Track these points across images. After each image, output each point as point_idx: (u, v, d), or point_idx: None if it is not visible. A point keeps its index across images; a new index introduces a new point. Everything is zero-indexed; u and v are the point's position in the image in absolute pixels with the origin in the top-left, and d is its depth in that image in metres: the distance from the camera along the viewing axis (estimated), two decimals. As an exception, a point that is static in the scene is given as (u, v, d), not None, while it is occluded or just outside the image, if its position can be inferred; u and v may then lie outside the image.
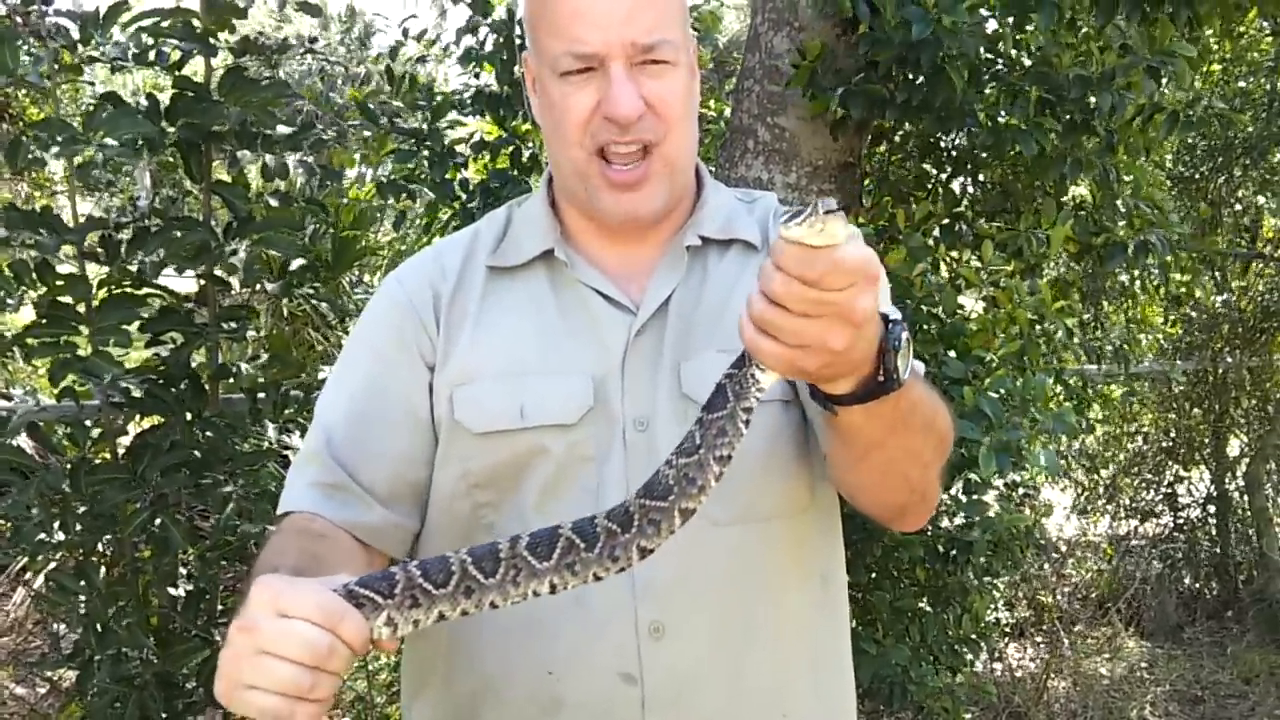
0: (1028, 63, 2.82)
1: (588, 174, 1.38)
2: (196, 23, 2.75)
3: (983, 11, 2.66)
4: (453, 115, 3.33)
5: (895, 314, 1.10)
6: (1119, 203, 2.93)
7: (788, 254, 0.97)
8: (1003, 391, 2.25)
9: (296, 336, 4.20)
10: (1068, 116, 2.61)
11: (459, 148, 3.36)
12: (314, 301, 5.10)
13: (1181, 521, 6.14)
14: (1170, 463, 6.20)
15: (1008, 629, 5.41)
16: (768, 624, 1.37)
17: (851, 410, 1.12)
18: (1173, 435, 6.20)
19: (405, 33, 3.77)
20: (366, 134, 3.15)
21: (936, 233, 2.90)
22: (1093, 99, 2.56)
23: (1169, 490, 6.17)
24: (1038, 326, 2.50)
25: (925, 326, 2.48)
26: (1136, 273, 3.01)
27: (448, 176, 3.27)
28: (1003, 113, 2.63)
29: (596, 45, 1.32)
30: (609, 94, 1.33)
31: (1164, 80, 2.67)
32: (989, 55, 2.72)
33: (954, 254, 2.89)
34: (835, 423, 1.17)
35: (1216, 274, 5.81)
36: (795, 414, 1.39)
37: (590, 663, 1.33)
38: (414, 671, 1.50)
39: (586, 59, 1.33)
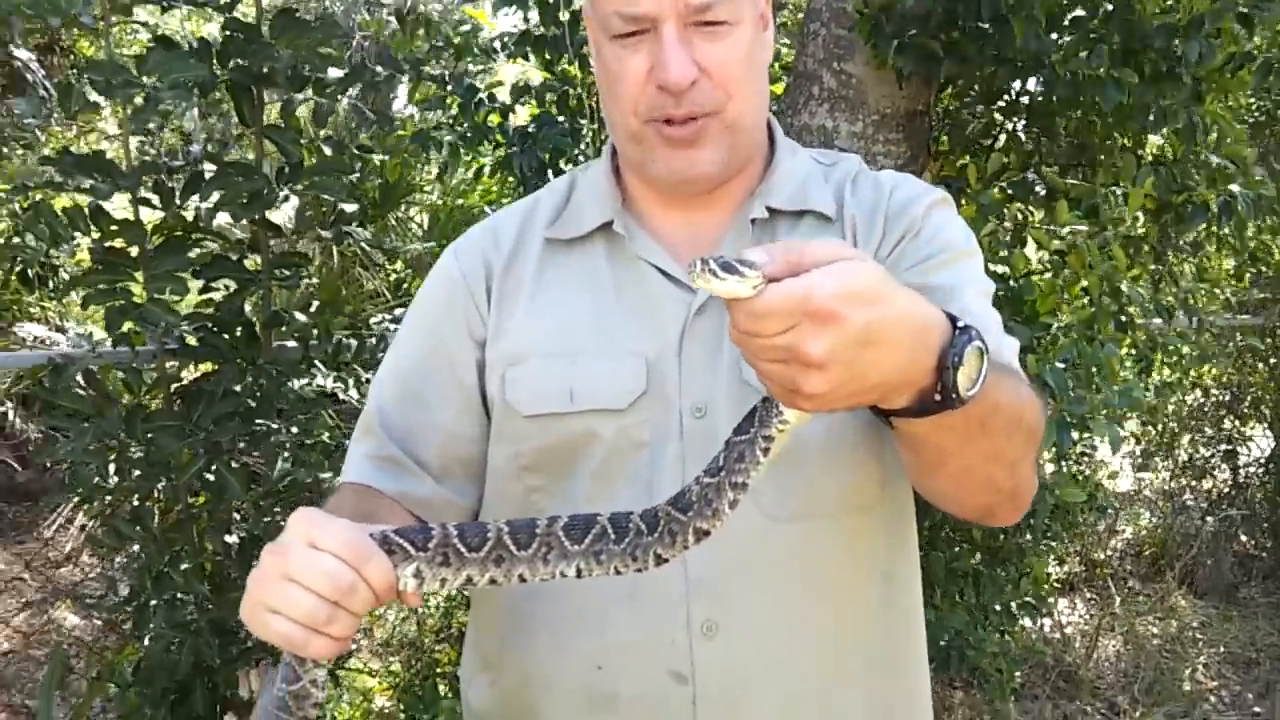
0: (1109, 6, 2.68)
1: (643, 136, 1.31)
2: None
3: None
4: (481, 57, 3.23)
5: (966, 320, 1.01)
6: (1201, 157, 2.80)
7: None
8: (1069, 361, 2.15)
9: (346, 276, 4.17)
10: (1150, 65, 2.47)
11: (497, 92, 3.26)
12: (362, 244, 5.11)
13: (1240, 479, 5.99)
14: (1231, 418, 6.06)
15: (1058, 584, 5.35)
16: (824, 624, 1.32)
17: (913, 423, 1.04)
18: (1235, 390, 6.03)
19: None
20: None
21: (1008, 189, 2.78)
22: (1178, 47, 2.42)
23: (1229, 447, 6.02)
24: (1108, 294, 2.38)
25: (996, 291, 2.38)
26: (1214, 229, 2.87)
27: (488, 122, 3.18)
28: (1080, 61, 2.49)
29: (647, 6, 1.24)
30: (660, 59, 1.25)
31: (1256, 26, 2.52)
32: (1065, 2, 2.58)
33: (1024, 210, 2.77)
34: (899, 432, 1.09)
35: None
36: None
37: (640, 659, 1.29)
38: (473, 653, 1.48)
39: (637, 20, 1.25)
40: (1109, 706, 4.48)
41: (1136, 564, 5.72)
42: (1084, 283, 2.33)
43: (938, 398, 0.99)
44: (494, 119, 3.28)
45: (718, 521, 1.05)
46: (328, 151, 2.82)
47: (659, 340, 1.33)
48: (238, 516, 2.93)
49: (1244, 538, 5.93)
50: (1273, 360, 5.86)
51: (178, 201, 2.64)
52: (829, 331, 0.90)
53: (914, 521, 1.43)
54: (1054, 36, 2.71)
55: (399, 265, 6.44)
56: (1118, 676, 4.67)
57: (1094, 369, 2.17)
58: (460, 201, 3.72)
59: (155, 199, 2.63)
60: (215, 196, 2.61)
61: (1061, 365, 2.14)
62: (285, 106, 2.71)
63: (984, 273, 1.37)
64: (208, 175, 2.66)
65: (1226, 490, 6.02)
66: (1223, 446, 6.05)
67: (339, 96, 2.68)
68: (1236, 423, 6.07)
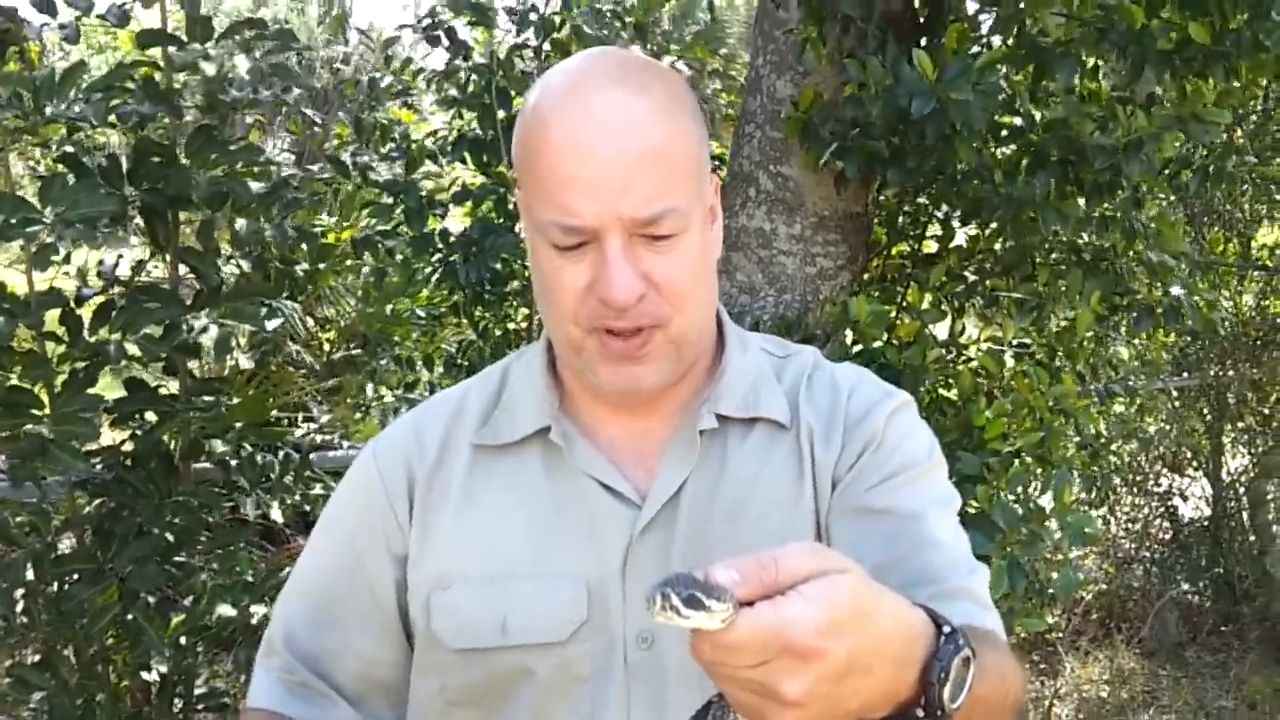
0: (1048, 115, 2.65)
1: (582, 346, 1.20)
2: (159, 77, 2.56)
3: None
4: (428, 166, 3.14)
5: (953, 624, 0.92)
6: (1143, 256, 2.78)
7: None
8: (1019, 496, 2.09)
9: (268, 380, 4.01)
10: (1090, 180, 2.44)
11: (439, 197, 3.18)
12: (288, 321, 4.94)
13: (1182, 536, 6.03)
14: (1169, 473, 6.10)
15: (1008, 651, 5.31)
16: None
17: None
18: (1172, 449, 6.08)
19: (387, 60, 3.59)
20: (339, 187, 2.95)
21: (952, 300, 2.74)
22: (1118, 164, 2.40)
23: (1169, 504, 6.06)
24: (1059, 417, 2.34)
25: (941, 416, 2.32)
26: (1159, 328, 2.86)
27: (427, 228, 3.09)
28: (1020, 181, 2.45)
29: (588, 219, 1.11)
30: (603, 274, 1.13)
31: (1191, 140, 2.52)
32: (1003, 115, 2.55)
33: (968, 328, 2.73)
34: None
35: (1216, 287, 5.67)
36: None
37: None
38: None
39: (578, 233, 1.13)
40: (1066, 784, 4.43)
41: (1085, 625, 5.71)
42: (1034, 408, 2.28)
43: (920, 713, 0.90)
44: (433, 223, 3.19)
45: None
46: (246, 268, 2.69)
47: (601, 562, 1.22)
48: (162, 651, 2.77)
49: (1187, 589, 5.95)
50: (1209, 416, 5.92)
51: (86, 334, 2.49)
52: (809, 669, 0.80)
53: None
54: (992, 145, 2.68)
55: (331, 334, 6.28)
56: (1073, 751, 4.63)
57: (1041, 506, 2.10)
58: (399, 302, 3.61)
59: (62, 331, 2.48)
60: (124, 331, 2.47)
61: (1012, 498, 2.09)
62: (203, 229, 2.58)
63: (947, 482, 1.29)
64: (120, 305, 2.51)
65: (1168, 543, 6.06)
66: (1163, 502, 6.09)
67: (260, 217, 2.55)
68: (1175, 477, 6.12)
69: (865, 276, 3.06)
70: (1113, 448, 5.97)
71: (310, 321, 5.98)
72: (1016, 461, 2.23)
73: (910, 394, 1.34)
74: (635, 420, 1.28)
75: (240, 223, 2.55)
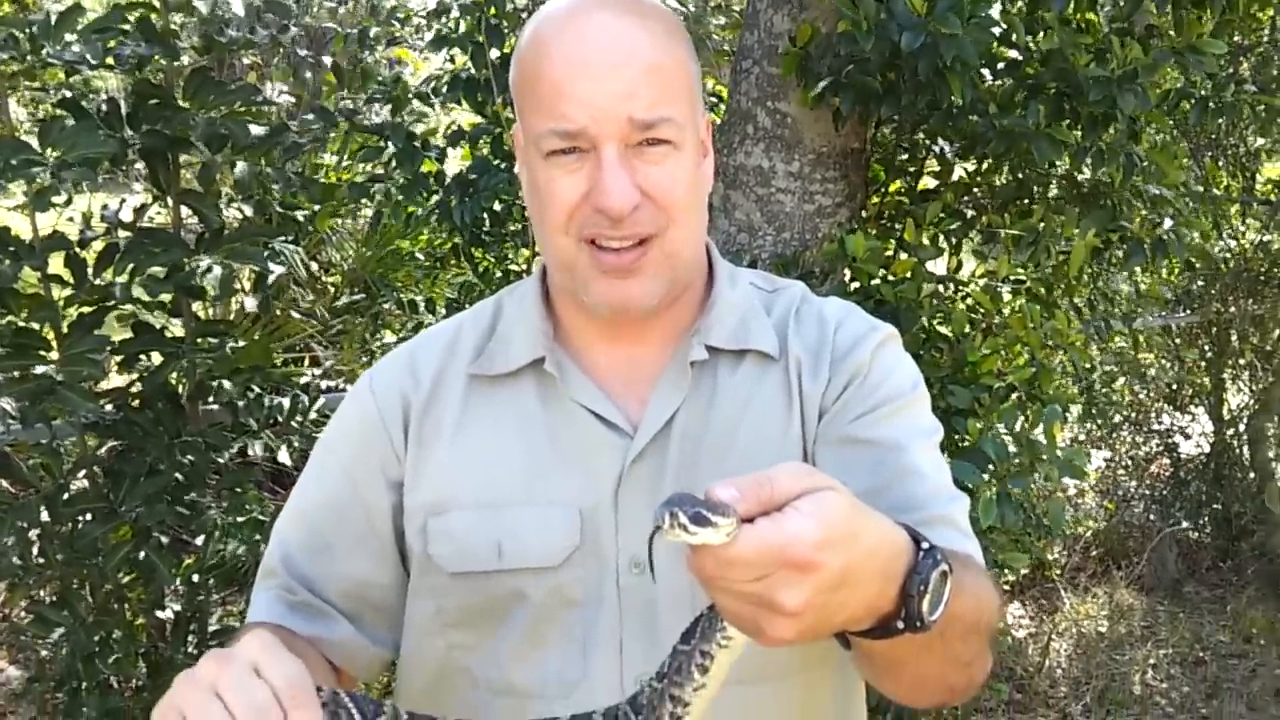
0: (1043, 46, 2.64)
1: (575, 262, 1.22)
2: (156, 18, 2.57)
3: (988, -1, 2.47)
4: (418, 105, 3.14)
5: (931, 541, 0.97)
6: (1139, 189, 2.79)
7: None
8: (1010, 429, 2.12)
9: (274, 322, 4.04)
10: (1086, 113, 2.44)
11: (433, 139, 3.17)
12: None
13: (1181, 473, 6.07)
14: (1170, 409, 6.13)
15: (1006, 587, 5.38)
16: None
17: (870, 643, 0.99)
18: (1172, 385, 6.10)
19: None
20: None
21: (948, 236, 2.74)
22: (1113, 96, 2.39)
23: (1169, 440, 6.09)
24: (1052, 353, 2.36)
25: (935, 352, 2.34)
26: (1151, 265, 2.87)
27: (421, 170, 3.08)
28: (1015, 114, 2.45)
29: (584, 122, 1.16)
30: (599, 182, 1.17)
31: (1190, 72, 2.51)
32: (998, 47, 2.54)
33: (965, 264, 2.74)
34: (853, 646, 1.05)
35: (1219, 221, 5.65)
36: None
37: None
38: None
39: (573, 138, 1.17)
40: (1062, 716, 4.51)
41: (1084, 562, 5.77)
42: (1026, 342, 2.30)
43: (900, 624, 0.94)
44: (429, 166, 3.19)
45: None
46: (248, 212, 2.71)
47: (594, 489, 1.26)
48: (173, 588, 2.83)
49: (1186, 526, 6.00)
50: (1210, 353, 5.93)
51: (91, 276, 2.52)
52: (807, 581, 0.85)
53: None
54: (987, 74, 2.67)
55: (336, 279, 6.30)
56: (1070, 684, 4.71)
57: (1035, 439, 2.13)
58: (398, 244, 3.63)
59: (67, 274, 2.51)
60: (130, 269, 2.50)
61: (1004, 432, 2.11)
62: (204, 171, 2.60)
63: (930, 414, 1.32)
64: (123, 247, 2.54)
65: (1168, 480, 6.10)
66: (1163, 438, 6.12)
67: (259, 158, 2.57)
68: (1175, 414, 6.14)
69: (863, 214, 3.07)
70: (1114, 385, 6.01)
71: (314, 266, 6.01)
72: (1011, 396, 2.25)
73: (905, 330, 1.37)
74: (627, 350, 1.31)
75: (240, 166, 2.56)
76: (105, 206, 2.73)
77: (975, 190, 2.91)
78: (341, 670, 1.31)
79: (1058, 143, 2.36)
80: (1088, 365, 2.69)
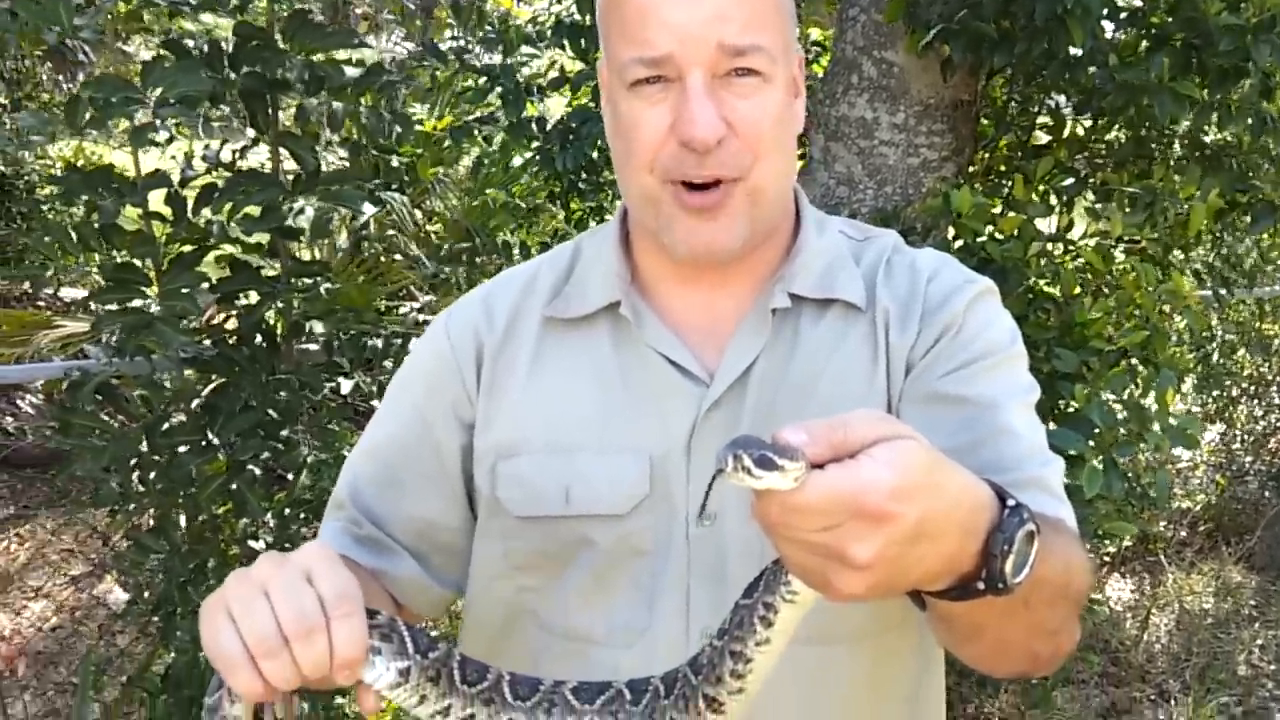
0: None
1: (659, 199, 1.18)
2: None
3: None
4: (526, 49, 3.11)
5: (1018, 499, 0.90)
6: (1271, 150, 2.61)
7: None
8: (1119, 397, 2.01)
9: (373, 267, 4.08)
10: (1215, 66, 2.29)
11: (537, 82, 3.15)
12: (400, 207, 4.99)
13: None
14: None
15: (1107, 559, 5.22)
16: None
17: (948, 605, 0.93)
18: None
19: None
20: (437, 73, 2.94)
21: (1060, 193, 2.61)
22: (1247, 47, 2.23)
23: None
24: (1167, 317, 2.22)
25: (1041, 313, 2.24)
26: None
27: (525, 114, 3.06)
28: (1138, 66, 2.30)
29: (670, 47, 1.11)
30: (684, 112, 1.12)
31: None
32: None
33: (1076, 223, 2.61)
34: (930, 608, 0.98)
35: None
36: None
37: None
38: None
39: (658, 65, 1.12)
40: (1159, 692, 4.37)
41: (1191, 537, 5.56)
42: (1140, 305, 2.18)
43: (980, 585, 0.89)
44: (532, 110, 3.17)
45: (724, 690, 0.95)
46: (343, 155, 2.72)
47: (665, 438, 1.23)
48: (265, 521, 2.90)
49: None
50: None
51: (190, 214, 2.56)
52: (879, 532, 0.80)
53: None
54: (1108, 24, 2.53)
55: (438, 227, 6.37)
56: (1169, 660, 4.55)
57: (1144, 406, 2.02)
58: (489, 193, 3.62)
59: (167, 212, 2.56)
60: (228, 208, 2.53)
61: (1112, 399, 2.01)
62: (300, 112, 2.61)
63: (1026, 373, 1.25)
64: (221, 186, 2.57)
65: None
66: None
67: (357, 100, 2.57)
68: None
69: (969, 169, 2.95)
70: (1234, 355, 5.74)
71: (419, 215, 6.09)
72: (1121, 362, 2.13)
73: (1010, 290, 1.29)
74: (707, 296, 1.27)
75: (336, 106, 2.57)
76: (207, 146, 2.77)
77: (1090, 147, 2.77)
78: (404, 607, 1.31)
79: (1182, 98, 2.21)
80: (1205, 332, 2.54)
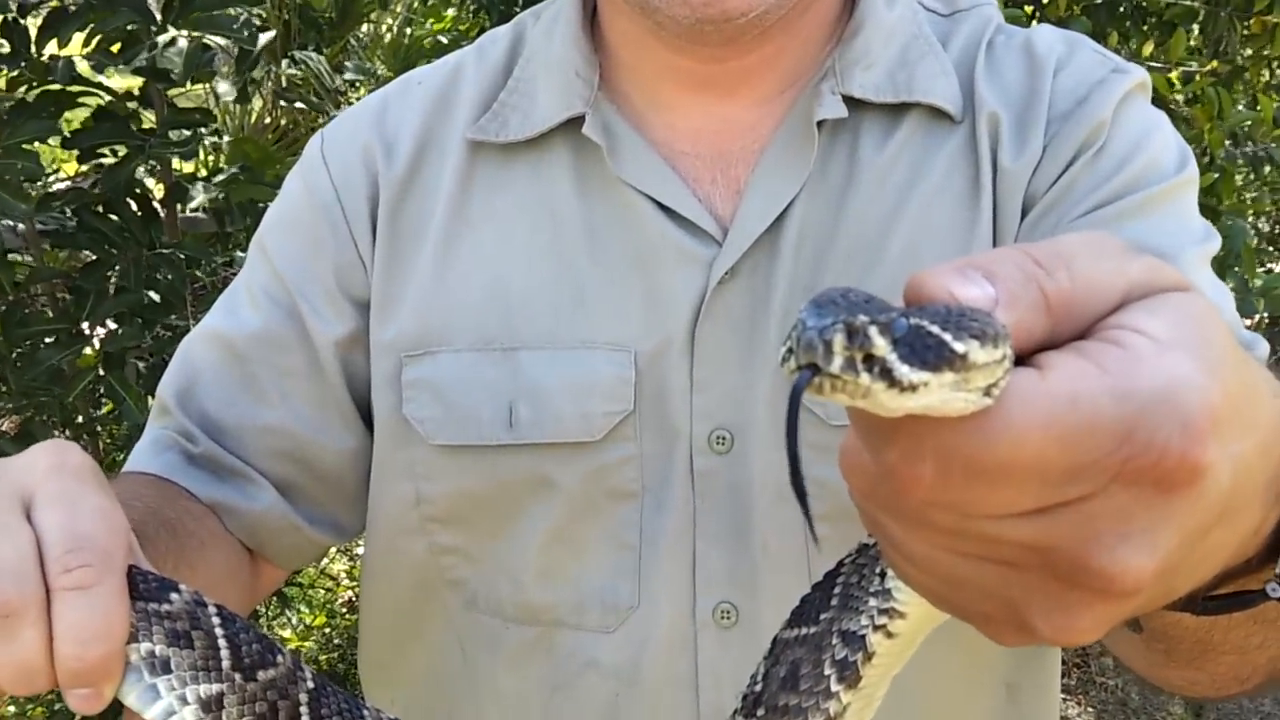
0: None
1: None
2: None
3: None
4: None
5: None
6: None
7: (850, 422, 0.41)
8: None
9: (277, 128, 3.59)
10: None
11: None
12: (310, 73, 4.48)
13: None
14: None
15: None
16: None
17: (1188, 617, 0.56)
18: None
19: None
20: None
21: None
22: None
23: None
24: (1236, 147, 1.82)
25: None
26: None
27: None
28: None
29: None
30: None
31: None
32: None
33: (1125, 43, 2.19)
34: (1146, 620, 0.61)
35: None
36: None
37: None
38: None
39: None
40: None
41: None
42: (1206, 140, 1.77)
43: (1273, 588, 0.50)
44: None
45: None
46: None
47: (658, 325, 0.83)
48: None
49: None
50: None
51: (33, 49, 2.06)
52: (1172, 509, 0.38)
53: None
54: None
55: (362, 93, 5.84)
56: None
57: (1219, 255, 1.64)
58: (409, 31, 3.10)
59: (4, 46, 2.06)
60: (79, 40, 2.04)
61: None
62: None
63: (1198, 212, 0.84)
64: (71, 10, 2.07)
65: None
66: None
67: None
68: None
69: None
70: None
71: (340, 79, 5.55)
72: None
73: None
74: (718, 104, 0.86)
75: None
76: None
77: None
78: (258, 555, 0.92)
79: None
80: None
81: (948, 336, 0.36)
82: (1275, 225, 5.42)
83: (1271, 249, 5.00)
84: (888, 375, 0.35)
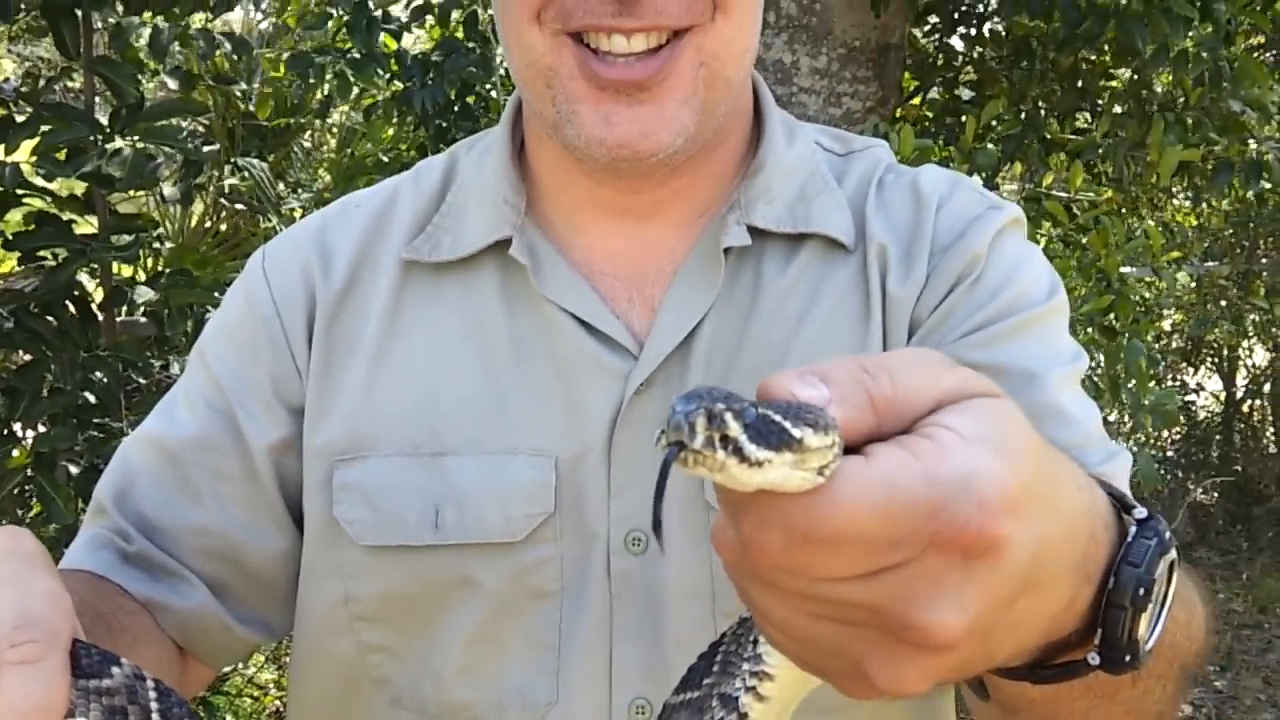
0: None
1: (554, 70, 0.83)
2: None
3: None
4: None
5: (1144, 508, 0.57)
6: (1221, 105, 2.39)
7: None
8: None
9: (216, 234, 3.63)
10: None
11: (393, 9, 2.71)
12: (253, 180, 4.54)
13: (1197, 433, 5.73)
14: (1187, 367, 5.78)
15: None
16: None
17: (1027, 687, 0.60)
18: (1192, 339, 5.74)
19: None
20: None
21: (999, 144, 2.34)
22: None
23: (1184, 399, 5.74)
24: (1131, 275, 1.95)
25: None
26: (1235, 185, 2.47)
27: (381, 48, 2.63)
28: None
29: None
30: None
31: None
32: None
33: (1027, 173, 2.34)
34: (992, 688, 0.65)
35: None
36: None
37: None
38: None
39: None
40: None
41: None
42: (1103, 268, 1.90)
43: (1095, 658, 0.55)
44: (389, 43, 2.75)
45: None
46: (173, 86, 2.29)
47: (577, 433, 0.88)
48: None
49: (1196, 491, 5.68)
50: (1234, 305, 5.55)
51: (-20, 154, 2.10)
52: (977, 576, 0.46)
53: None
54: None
55: (305, 199, 5.90)
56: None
57: (1115, 375, 1.75)
58: (349, 151, 3.19)
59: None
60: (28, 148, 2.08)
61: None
62: (118, 34, 2.17)
63: (1068, 335, 0.92)
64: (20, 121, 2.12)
65: (1180, 442, 5.76)
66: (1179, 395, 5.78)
67: (184, 20, 2.14)
68: (1192, 371, 5.79)
69: (894, 121, 2.67)
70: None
71: (281, 186, 5.62)
72: (1087, 329, 1.85)
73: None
74: (634, 230, 0.92)
75: (161, 25, 2.13)
76: (6, 79, 2.31)
77: (1028, 97, 2.50)
78: (187, 653, 0.94)
79: (1178, 20, 1.89)
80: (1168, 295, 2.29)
81: (787, 424, 0.44)
82: (1188, 341, 5.70)
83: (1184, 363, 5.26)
84: (739, 452, 0.43)
